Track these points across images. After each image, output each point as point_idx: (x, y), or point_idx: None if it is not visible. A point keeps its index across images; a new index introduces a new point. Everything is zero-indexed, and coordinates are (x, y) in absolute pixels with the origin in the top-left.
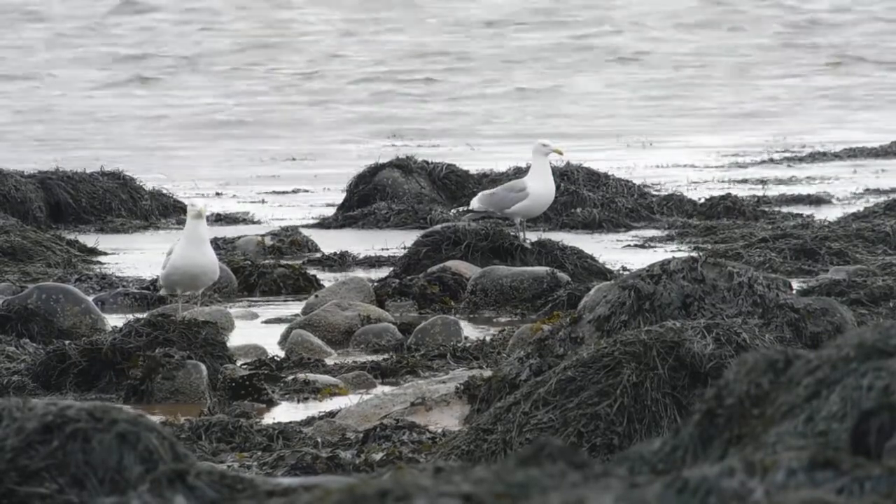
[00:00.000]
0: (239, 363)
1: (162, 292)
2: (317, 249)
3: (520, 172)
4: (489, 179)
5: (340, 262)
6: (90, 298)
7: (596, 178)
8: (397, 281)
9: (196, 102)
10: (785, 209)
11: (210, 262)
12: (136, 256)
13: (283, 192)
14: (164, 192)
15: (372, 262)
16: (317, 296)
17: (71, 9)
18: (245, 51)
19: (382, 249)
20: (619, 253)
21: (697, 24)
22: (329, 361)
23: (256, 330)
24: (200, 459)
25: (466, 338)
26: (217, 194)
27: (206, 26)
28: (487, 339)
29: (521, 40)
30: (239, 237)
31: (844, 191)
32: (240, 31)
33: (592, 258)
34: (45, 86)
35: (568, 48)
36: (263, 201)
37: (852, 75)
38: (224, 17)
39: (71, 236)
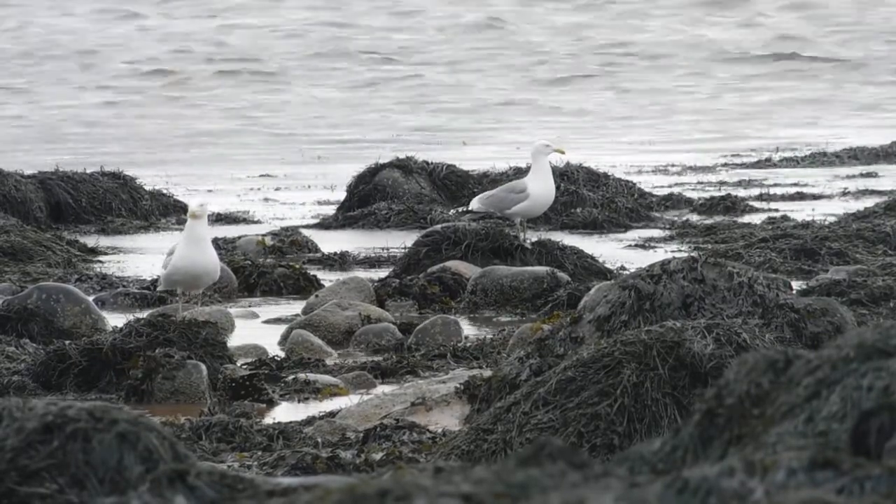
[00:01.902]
0: (239, 363)
1: (161, 289)
2: (317, 249)
3: (520, 173)
4: (489, 180)
5: (341, 262)
6: (90, 298)
7: (596, 178)
8: (397, 281)
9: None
10: (784, 209)
11: (211, 261)
12: (136, 256)
13: (284, 191)
14: (165, 192)
15: (372, 262)
16: (317, 296)
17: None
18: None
19: (382, 249)
20: (620, 253)
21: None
22: (329, 361)
23: (256, 330)
24: (201, 459)
25: (466, 338)
26: (210, 191)
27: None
28: (487, 339)
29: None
30: (239, 237)
31: (844, 191)
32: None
33: (592, 258)
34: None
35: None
36: (267, 199)
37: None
38: None
39: (71, 236)
